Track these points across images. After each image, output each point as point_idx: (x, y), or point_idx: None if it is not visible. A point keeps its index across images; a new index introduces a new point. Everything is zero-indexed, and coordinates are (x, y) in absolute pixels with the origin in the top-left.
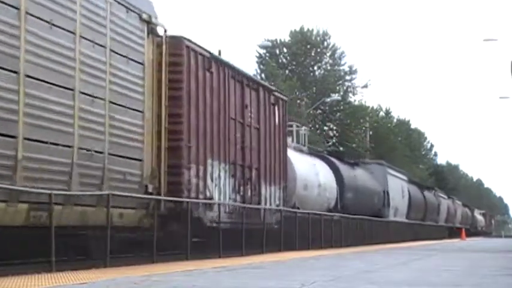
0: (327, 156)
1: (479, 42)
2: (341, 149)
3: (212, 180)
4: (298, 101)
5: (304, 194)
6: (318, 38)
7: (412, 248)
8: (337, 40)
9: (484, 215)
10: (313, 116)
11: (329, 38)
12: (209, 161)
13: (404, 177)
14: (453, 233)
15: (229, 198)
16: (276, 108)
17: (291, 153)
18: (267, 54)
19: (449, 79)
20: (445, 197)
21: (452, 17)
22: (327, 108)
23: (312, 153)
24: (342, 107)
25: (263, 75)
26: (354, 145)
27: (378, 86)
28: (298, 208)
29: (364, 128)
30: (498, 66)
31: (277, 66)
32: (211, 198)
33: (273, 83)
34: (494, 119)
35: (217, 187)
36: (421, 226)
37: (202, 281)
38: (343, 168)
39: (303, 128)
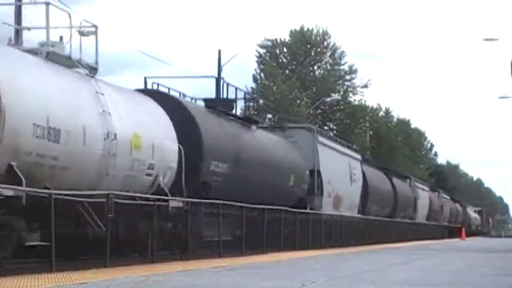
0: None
1: (479, 42)
2: None
3: None
4: (298, 101)
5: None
6: (318, 38)
7: (412, 248)
8: (337, 40)
9: (479, 212)
10: (313, 116)
11: (329, 37)
12: None
13: (355, 155)
14: (439, 233)
15: None
16: None
17: None
18: (267, 54)
19: (449, 79)
20: (427, 188)
21: (452, 17)
22: (327, 108)
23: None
24: (342, 107)
25: (263, 75)
26: (354, 145)
27: (378, 86)
28: None
29: (364, 128)
30: (498, 66)
31: (277, 66)
32: None
33: (272, 83)
34: (494, 119)
35: None
36: (388, 224)
37: (202, 281)
38: (209, 118)
39: None
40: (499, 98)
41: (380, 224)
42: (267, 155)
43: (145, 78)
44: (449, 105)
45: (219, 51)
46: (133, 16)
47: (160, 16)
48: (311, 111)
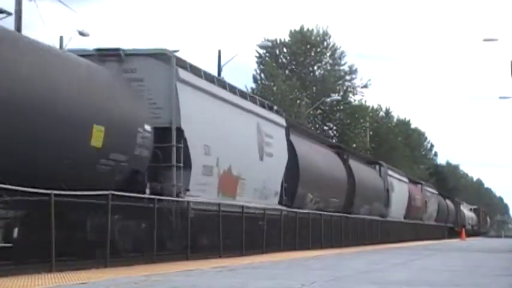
0: None
1: (479, 42)
2: None
3: None
4: (298, 101)
5: None
6: (318, 38)
7: (412, 248)
8: (337, 40)
9: (476, 211)
10: (313, 116)
11: (329, 38)
12: None
13: (275, 118)
14: (422, 233)
15: None
16: None
17: None
18: (267, 54)
19: (449, 79)
20: (405, 179)
21: (452, 17)
22: (327, 108)
23: None
24: (342, 107)
25: (263, 75)
26: (354, 145)
27: (378, 86)
28: None
29: (364, 128)
30: (498, 66)
31: (277, 66)
32: None
33: (272, 83)
34: (494, 119)
35: None
36: (338, 221)
37: (202, 281)
38: None
39: None
40: (499, 98)
41: (318, 220)
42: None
43: None
44: (449, 105)
45: (219, 52)
46: (133, 16)
47: (160, 16)
48: (311, 111)
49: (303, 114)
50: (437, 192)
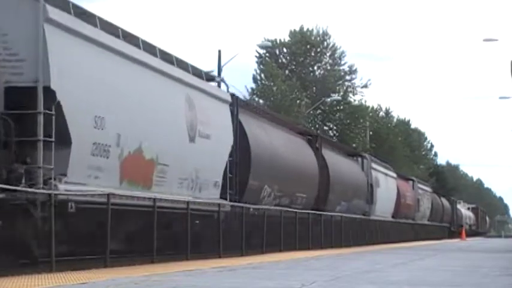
0: None
1: (479, 42)
2: None
3: None
4: (298, 101)
5: None
6: (318, 38)
7: (412, 248)
8: (337, 40)
9: (474, 210)
10: (313, 116)
11: (329, 38)
12: None
13: (216, 92)
14: (412, 234)
15: None
16: None
17: None
18: (267, 54)
19: (449, 79)
20: (393, 174)
21: (452, 17)
22: (327, 108)
23: None
24: (342, 107)
25: (263, 76)
26: (354, 145)
27: (378, 86)
28: None
29: (364, 128)
30: (498, 66)
31: (277, 66)
32: None
33: (272, 83)
34: (494, 119)
35: None
36: (303, 219)
37: (202, 281)
38: None
39: None
40: (499, 98)
41: (277, 217)
42: None
43: None
44: (449, 105)
45: (219, 52)
46: (133, 16)
47: (160, 16)
48: (311, 111)
49: (303, 114)
50: (431, 190)
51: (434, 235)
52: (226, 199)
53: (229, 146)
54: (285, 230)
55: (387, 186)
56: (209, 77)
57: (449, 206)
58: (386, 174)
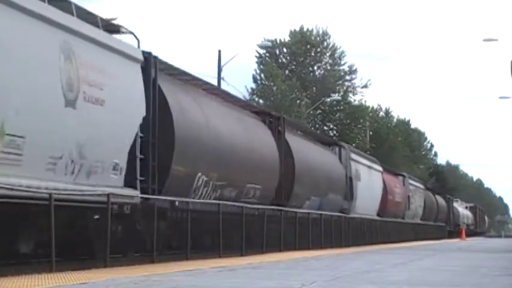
0: None
1: (479, 42)
2: None
3: None
4: (298, 101)
5: None
6: (318, 38)
7: (412, 248)
8: (337, 40)
9: (472, 209)
10: (313, 116)
11: (329, 38)
12: None
13: (119, 46)
14: (403, 234)
15: None
16: None
17: None
18: (267, 54)
19: (449, 79)
20: (378, 168)
21: (452, 17)
22: (327, 108)
23: None
24: (342, 107)
25: (262, 75)
26: (354, 145)
27: (378, 86)
28: None
29: (364, 128)
30: (498, 66)
31: (277, 66)
32: None
33: (272, 83)
34: (494, 119)
35: None
36: (252, 216)
37: (202, 281)
38: None
39: None
40: (499, 98)
41: (215, 214)
42: None
43: None
44: (449, 105)
45: (219, 52)
46: (133, 16)
47: (160, 16)
48: (311, 112)
49: (303, 114)
50: (423, 187)
51: (429, 235)
52: (136, 188)
53: (139, 118)
54: (227, 229)
55: (371, 181)
56: (112, 28)
57: (445, 204)
58: (370, 167)
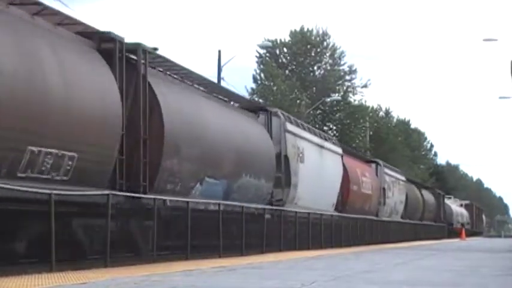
0: None
1: (479, 42)
2: None
3: None
4: (298, 101)
5: None
6: (318, 38)
7: (412, 248)
8: (337, 40)
9: (468, 207)
10: (313, 116)
11: (329, 38)
12: None
13: None
14: (372, 233)
15: None
16: None
17: None
18: (267, 54)
19: (449, 79)
20: (337, 150)
21: (452, 17)
22: (327, 108)
23: None
24: (342, 107)
25: (263, 76)
26: (354, 145)
27: (378, 86)
28: None
29: (364, 128)
30: (498, 66)
31: (277, 66)
32: None
33: (272, 83)
34: (494, 119)
35: None
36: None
37: (202, 281)
38: None
39: None
40: (499, 98)
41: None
42: None
43: None
44: (449, 105)
45: (219, 52)
46: (133, 16)
47: (160, 16)
48: (311, 112)
49: (303, 114)
50: (405, 179)
51: (405, 236)
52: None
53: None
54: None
55: (322, 164)
56: None
57: (434, 201)
58: (321, 147)
